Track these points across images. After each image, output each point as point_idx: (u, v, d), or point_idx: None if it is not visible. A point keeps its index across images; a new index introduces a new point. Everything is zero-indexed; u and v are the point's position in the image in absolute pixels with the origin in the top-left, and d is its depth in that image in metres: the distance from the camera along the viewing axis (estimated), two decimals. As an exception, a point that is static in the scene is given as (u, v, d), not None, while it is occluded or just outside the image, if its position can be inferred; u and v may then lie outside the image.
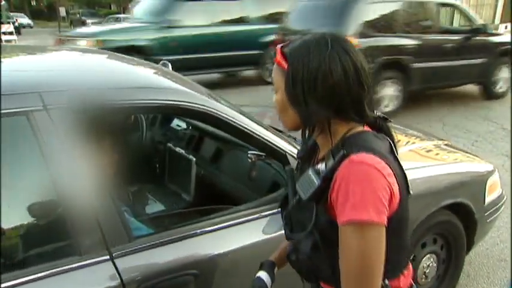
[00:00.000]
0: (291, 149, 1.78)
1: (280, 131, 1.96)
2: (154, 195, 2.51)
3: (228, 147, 2.40)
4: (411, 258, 2.32)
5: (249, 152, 1.83)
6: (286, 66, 1.04)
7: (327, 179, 0.99)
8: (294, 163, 1.70)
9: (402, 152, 2.62)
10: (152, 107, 1.64)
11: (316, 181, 1.00)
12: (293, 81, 1.02)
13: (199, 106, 1.61)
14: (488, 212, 2.59)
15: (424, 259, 2.42)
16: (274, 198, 1.71)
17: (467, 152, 3.01)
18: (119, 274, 1.34)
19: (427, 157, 2.67)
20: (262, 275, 1.27)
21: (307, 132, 1.11)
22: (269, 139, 1.74)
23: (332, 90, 1.00)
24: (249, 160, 1.82)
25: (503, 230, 3.30)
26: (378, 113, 1.12)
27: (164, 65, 2.84)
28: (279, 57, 1.07)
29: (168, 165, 2.61)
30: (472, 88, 8.23)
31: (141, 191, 2.51)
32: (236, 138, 1.94)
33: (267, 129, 1.79)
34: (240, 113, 1.75)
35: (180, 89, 1.74)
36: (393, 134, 1.12)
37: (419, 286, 2.44)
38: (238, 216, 1.62)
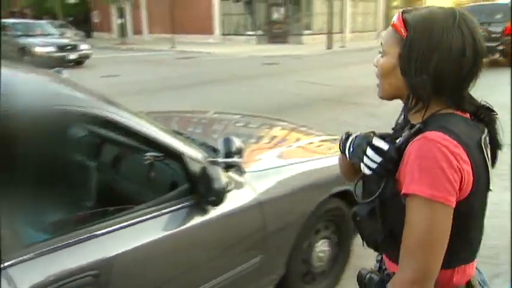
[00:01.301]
0: (187, 150, 1.87)
1: (180, 133, 2.04)
2: (53, 202, 2.44)
3: (127, 151, 2.42)
4: (308, 245, 2.54)
5: (147, 153, 1.89)
6: (404, 33, 1.02)
7: (400, 150, 1.01)
8: (191, 163, 1.81)
9: (292, 149, 2.90)
10: (50, 113, 1.62)
11: (388, 148, 1.02)
12: (410, 49, 1.01)
13: (96, 111, 1.63)
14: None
15: (318, 244, 2.66)
16: (173, 196, 1.80)
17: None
18: (13, 283, 1.32)
19: (315, 151, 2.94)
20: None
21: (410, 101, 1.06)
22: (166, 141, 1.82)
23: (445, 67, 0.98)
24: (147, 161, 1.88)
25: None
26: (483, 102, 1.09)
27: (58, 71, 2.77)
28: (398, 22, 1.04)
29: (68, 173, 2.56)
30: (365, 86, 8.99)
31: (38, 199, 2.43)
32: (135, 141, 1.99)
33: (165, 132, 1.87)
34: (137, 117, 1.80)
35: (76, 94, 1.75)
36: (497, 127, 1.09)
37: (316, 269, 2.67)
38: (138, 216, 1.68)
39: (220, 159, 1.99)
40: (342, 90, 9.80)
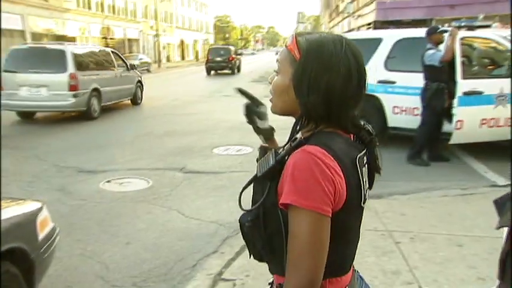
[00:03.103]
0: None
1: None
2: None
3: None
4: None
5: None
6: (297, 55, 1.08)
7: (281, 162, 1.05)
8: None
9: None
10: None
11: (272, 161, 1.06)
12: (303, 71, 1.06)
13: None
14: (44, 248, 2.70)
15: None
16: None
17: (13, 198, 3.01)
18: None
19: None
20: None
21: (301, 121, 1.10)
22: None
23: (333, 89, 1.04)
24: None
25: (65, 261, 3.51)
26: (366, 126, 1.15)
27: None
28: (292, 44, 1.10)
29: None
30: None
31: None
32: None
33: None
34: None
35: None
36: (374, 148, 1.15)
37: None
38: None
39: None
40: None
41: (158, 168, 6.27)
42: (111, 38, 38.54)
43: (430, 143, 6.13)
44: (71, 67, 10.09)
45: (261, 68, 33.99)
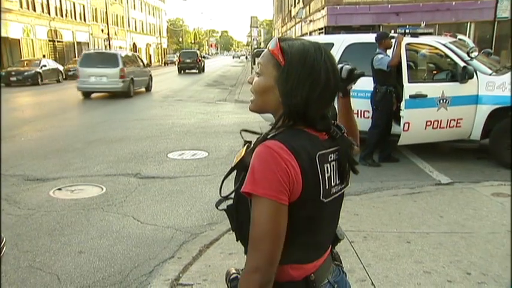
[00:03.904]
0: None
1: None
2: None
3: None
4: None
5: None
6: (282, 60, 1.16)
7: (251, 154, 1.13)
8: None
9: None
10: None
11: (243, 153, 1.18)
12: (288, 75, 1.15)
13: None
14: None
15: None
16: None
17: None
18: None
19: None
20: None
21: (282, 119, 1.18)
22: None
23: (314, 93, 1.14)
24: None
25: (11, 274, 3.35)
26: (336, 123, 1.25)
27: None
28: (276, 49, 1.17)
29: None
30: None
31: None
32: None
33: None
34: None
35: None
36: (345, 142, 1.22)
37: None
38: None
39: None
40: None
41: (112, 174, 6.12)
42: (59, 41, 37.19)
43: (380, 145, 6.36)
44: (121, 64, 16.64)
45: (216, 73, 33.99)
